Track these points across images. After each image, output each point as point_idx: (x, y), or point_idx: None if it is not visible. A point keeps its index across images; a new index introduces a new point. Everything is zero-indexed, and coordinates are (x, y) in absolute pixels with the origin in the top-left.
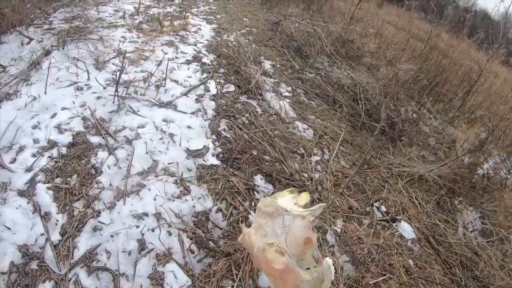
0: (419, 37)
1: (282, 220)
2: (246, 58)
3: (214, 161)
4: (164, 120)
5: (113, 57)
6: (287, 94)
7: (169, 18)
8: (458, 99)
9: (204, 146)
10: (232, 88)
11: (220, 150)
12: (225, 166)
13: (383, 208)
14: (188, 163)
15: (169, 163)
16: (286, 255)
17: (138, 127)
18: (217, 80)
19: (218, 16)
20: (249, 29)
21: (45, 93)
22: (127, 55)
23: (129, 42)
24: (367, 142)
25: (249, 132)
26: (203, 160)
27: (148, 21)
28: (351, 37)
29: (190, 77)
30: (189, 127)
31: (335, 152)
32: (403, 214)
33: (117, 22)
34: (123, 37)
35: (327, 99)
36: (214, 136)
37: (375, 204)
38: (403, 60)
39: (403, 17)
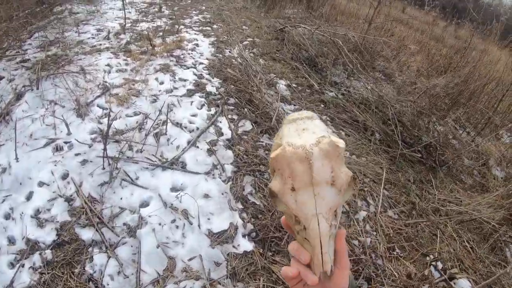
0: (445, 43)
1: (320, 121)
2: (258, 80)
3: (246, 245)
4: (173, 189)
5: (98, 96)
6: None
7: (161, 34)
8: (489, 108)
9: (231, 224)
10: (248, 125)
11: (252, 226)
12: (262, 250)
13: (440, 265)
14: (214, 254)
15: (189, 259)
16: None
17: (140, 206)
18: (229, 116)
19: (215, 26)
20: (251, 39)
21: (17, 159)
22: (115, 91)
23: (116, 71)
24: (409, 177)
25: None
26: (233, 246)
27: (137, 39)
28: (377, 48)
29: (195, 115)
30: (206, 196)
31: (380, 201)
32: (459, 266)
33: (100, 44)
34: (108, 65)
35: (357, 125)
36: (239, 205)
37: (432, 263)
38: (431, 69)
39: (426, 20)
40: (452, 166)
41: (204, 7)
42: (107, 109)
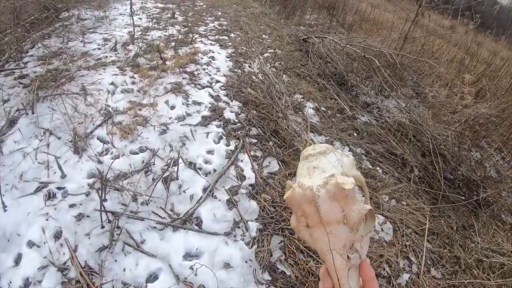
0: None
1: (335, 155)
2: (283, 103)
3: None
4: (186, 257)
5: (99, 125)
6: None
7: (173, 44)
8: None
9: None
10: (274, 165)
11: None
12: None
13: None
14: None
15: None
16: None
17: (147, 281)
18: (252, 153)
19: (232, 35)
20: (272, 50)
21: (5, 208)
22: (118, 118)
23: (121, 91)
24: (452, 223)
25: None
26: None
27: (146, 51)
28: (414, 66)
29: (212, 151)
30: (227, 265)
31: (423, 258)
32: None
33: (106, 57)
34: (112, 83)
35: (395, 160)
36: (267, 276)
37: None
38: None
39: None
40: (493, 203)
41: (220, 13)
42: (108, 142)
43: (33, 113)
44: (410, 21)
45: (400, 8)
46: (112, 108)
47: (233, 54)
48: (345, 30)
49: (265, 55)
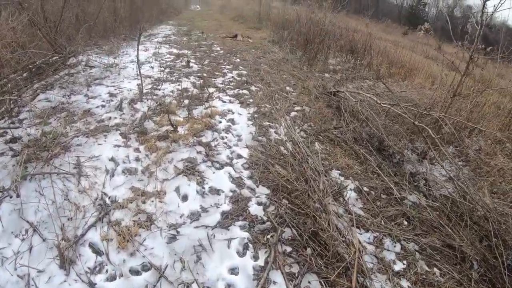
0: None
1: None
2: (320, 190)
3: None
4: None
5: (92, 224)
6: (400, 267)
7: (186, 102)
8: None
9: None
10: (316, 286)
11: None
12: None
13: None
14: None
15: None
16: None
17: None
18: (286, 268)
19: (253, 88)
20: (299, 108)
21: None
22: (116, 215)
23: (123, 171)
24: None
25: None
26: None
27: (156, 112)
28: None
29: (235, 270)
30: None
31: None
32: None
33: (110, 118)
34: (113, 159)
35: (453, 255)
36: None
37: None
38: None
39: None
40: None
41: (238, 60)
42: (103, 253)
43: (18, 196)
44: (449, 66)
45: (441, 55)
46: (109, 198)
47: (255, 115)
48: (373, 78)
49: (292, 114)
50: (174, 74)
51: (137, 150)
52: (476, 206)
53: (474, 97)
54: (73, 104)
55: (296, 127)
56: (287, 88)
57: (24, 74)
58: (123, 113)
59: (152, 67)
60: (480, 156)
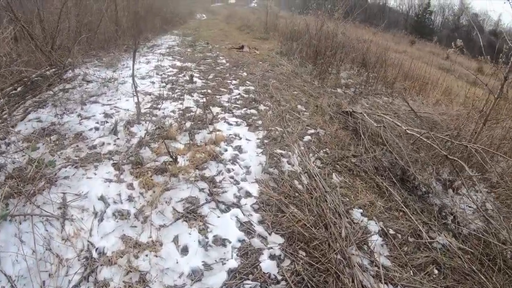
0: None
1: None
2: (341, 238)
3: None
4: None
5: (76, 284)
6: None
7: (188, 125)
8: None
9: None
10: None
11: None
12: None
13: None
14: None
15: None
16: None
17: None
18: None
19: (262, 106)
20: (313, 131)
21: None
22: (103, 273)
23: (113, 214)
24: None
25: None
26: None
27: (154, 137)
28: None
29: None
30: None
31: None
32: None
33: (103, 144)
34: (102, 198)
35: None
36: None
37: None
38: None
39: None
40: None
41: (245, 73)
42: None
43: None
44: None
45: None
46: (97, 249)
47: (265, 140)
48: (389, 94)
49: (306, 138)
50: (176, 91)
51: (130, 186)
52: (509, 248)
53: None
54: (65, 126)
55: (311, 155)
56: (299, 106)
57: (19, 89)
58: (118, 138)
59: (153, 82)
60: (506, 182)
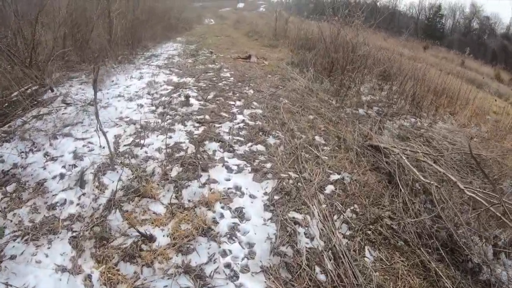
0: None
1: None
2: None
3: None
4: None
5: None
6: None
7: (175, 169)
8: None
9: None
10: None
11: None
12: None
13: None
14: None
15: None
16: None
17: None
18: None
19: (271, 140)
20: (337, 176)
21: None
22: None
23: None
24: None
25: None
26: None
27: (128, 193)
28: None
29: None
30: None
31: None
32: None
33: (64, 203)
34: None
35: None
36: None
37: None
38: None
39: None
40: None
41: (251, 91)
42: None
43: None
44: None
45: None
46: None
47: (275, 196)
48: (417, 114)
49: (328, 188)
50: (167, 117)
51: (88, 280)
52: None
53: None
54: (28, 170)
55: (335, 216)
56: (317, 138)
57: None
58: (84, 193)
59: (141, 106)
60: None
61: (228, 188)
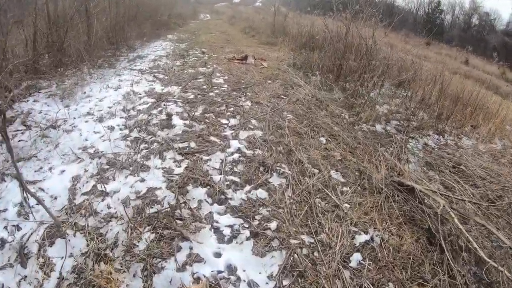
0: None
1: None
2: None
3: None
4: None
5: None
6: None
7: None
8: None
9: None
10: None
11: None
12: None
13: None
14: None
15: None
16: None
17: None
18: None
19: (275, 179)
20: (365, 237)
21: None
22: None
23: None
24: None
25: None
26: None
27: (81, 277)
28: None
29: None
30: None
31: None
32: None
33: None
34: None
35: None
36: None
37: None
38: None
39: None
40: None
41: (249, 102)
42: None
43: None
44: None
45: None
46: None
47: (284, 281)
48: (441, 130)
49: (353, 259)
50: (142, 147)
51: None
52: None
53: None
54: None
55: None
56: (333, 174)
57: None
58: (25, 277)
59: (111, 128)
60: None
61: (219, 272)
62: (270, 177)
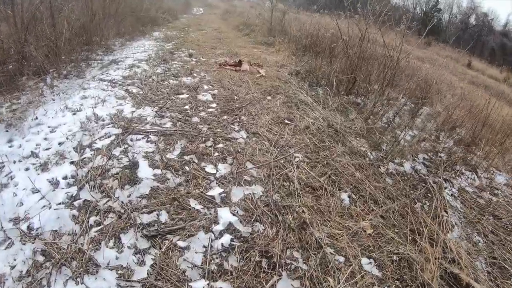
0: None
1: None
2: None
3: None
4: None
5: None
6: None
7: None
8: None
9: None
10: None
11: None
12: None
13: None
14: None
15: None
16: None
17: None
18: None
19: (286, 285)
20: None
21: None
22: None
23: None
24: None
25: None
26: None
27: None
28: None
29: None
30: None
31: None
32: None
33: None
34: None
35: None
36: None
37: None
38: None
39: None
40: None
41: (244, 132)
42: None
43: None
44: None
45: None
46: None
47: None
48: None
49: None
50: (92, 219)
51: None
52: None
53: None
54: None
55: None
56: (365, 266)
57: None
58: None
59: (56, 184)
60: None
61: None
62: (278, 279)
